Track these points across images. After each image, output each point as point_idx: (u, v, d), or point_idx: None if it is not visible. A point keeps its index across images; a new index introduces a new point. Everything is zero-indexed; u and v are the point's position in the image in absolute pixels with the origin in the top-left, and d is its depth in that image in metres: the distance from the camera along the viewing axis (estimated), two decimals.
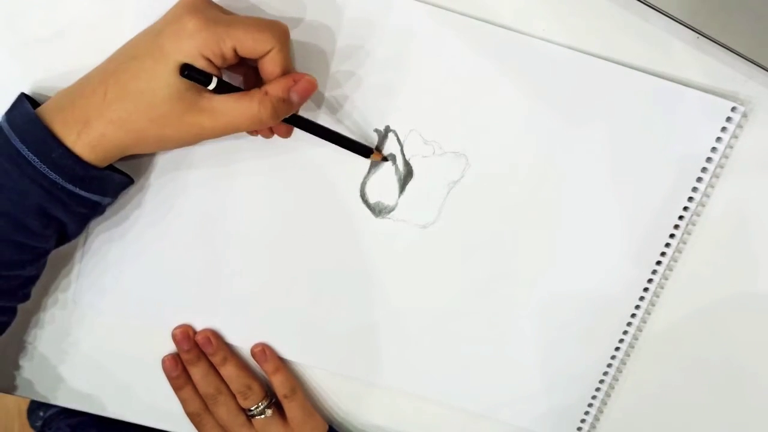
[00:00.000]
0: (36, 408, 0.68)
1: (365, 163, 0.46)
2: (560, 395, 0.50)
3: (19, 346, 0.49)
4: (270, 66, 0.39)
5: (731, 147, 0.45)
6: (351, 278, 0.48)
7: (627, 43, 0.44)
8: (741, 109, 0.44)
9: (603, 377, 0.50)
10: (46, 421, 0.66)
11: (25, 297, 0.44)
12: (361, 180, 0.46)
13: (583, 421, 0.51)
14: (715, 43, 0.43)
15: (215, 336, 0.49)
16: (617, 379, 0.50)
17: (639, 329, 0.49)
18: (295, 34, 0.43)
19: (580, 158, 0.46)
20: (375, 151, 0.45)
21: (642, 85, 0.44)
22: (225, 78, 0.40)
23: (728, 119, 0.45)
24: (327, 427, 0.50)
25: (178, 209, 0.46)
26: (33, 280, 0.43)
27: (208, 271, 0.48)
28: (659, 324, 0.49)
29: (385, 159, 0.45)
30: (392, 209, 0.47)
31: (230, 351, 0.49)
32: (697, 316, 0.49)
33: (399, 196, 0.47)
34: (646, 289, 0.48)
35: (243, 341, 0.50)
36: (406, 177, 0.46)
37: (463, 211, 0.47)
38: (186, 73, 0.37)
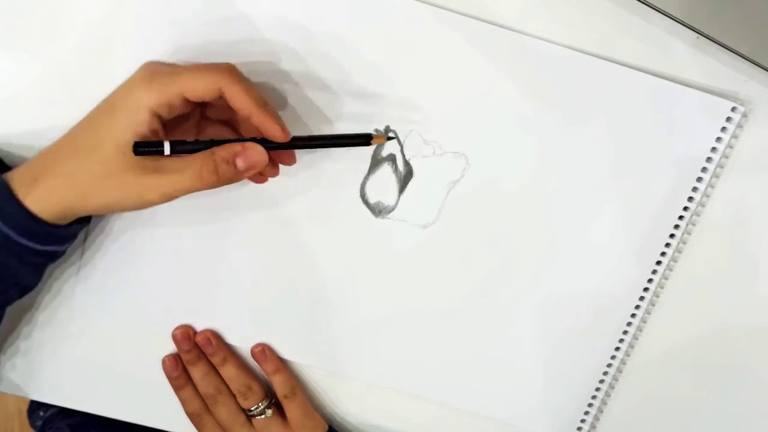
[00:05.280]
0: (36, 408, 0.67)
1: (365, 163, 0.46)
2: (560, 395, 0.50)
3: (19, 346, 0.49)
4: (234, 102, 0.39)
5: (731, 147, 0.45)
6: (351, 278, 0.48)
7: (627, 43, 0.44)
8: (741, 109, 0.44)
9: (603, 377, 0.50)
10: (46, 421, 0.66)
11: None
12: (361, 180, 0.46)
13: (583, 421, 0.51)
14: (715, 43, 0.43)
15: (215, 336, 0.49)
16: (617, 379, 0.50)
17: (639, 329, 0.49)
18: (295, 35, 0.43)
19: (580, 158, 0.46)
20: (374, 135, 0.44)
21: (642, 85, 0.44)
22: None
23: (728, 119, 0.45)
24: (327, 427, 0.51)
25: (178, 209, 0.46)
26: None
27: (208, 271, 0.48)
28: (659, 324, 0.49)
29: (389, 138, 0.45)
30: (392, 209, 0.47)
31: (230, 351, 0.49)
32: (697, 316, 0.49)
33: (399, 196, 0.47)
34: (646, 289, 0.48)
35: (243, 341, 0.50)
36: (406, 177, 0.46)
37: (463, 211, 0.47)
38: (139, 150, 0.38)
